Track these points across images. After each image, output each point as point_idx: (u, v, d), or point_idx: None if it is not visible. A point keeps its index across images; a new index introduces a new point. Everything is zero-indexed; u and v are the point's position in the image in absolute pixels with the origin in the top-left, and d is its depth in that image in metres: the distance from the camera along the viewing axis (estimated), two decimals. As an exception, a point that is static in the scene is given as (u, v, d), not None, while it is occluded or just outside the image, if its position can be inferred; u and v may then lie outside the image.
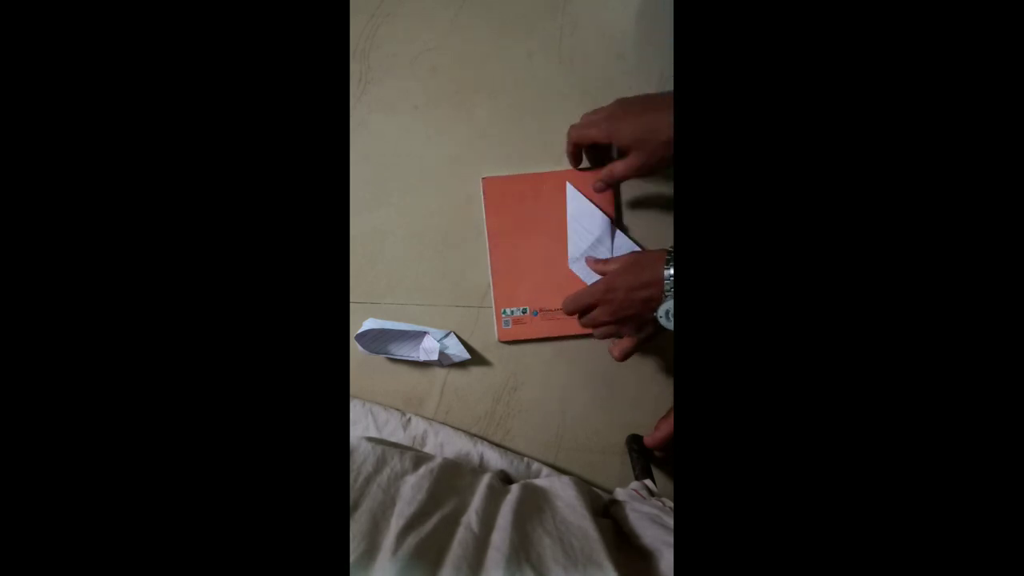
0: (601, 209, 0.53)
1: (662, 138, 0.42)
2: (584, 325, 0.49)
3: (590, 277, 0.52)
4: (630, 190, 0.55)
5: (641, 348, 0.48)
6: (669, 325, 0.43)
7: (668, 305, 0.43)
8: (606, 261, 0.50)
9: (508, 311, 0.54)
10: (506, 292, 0.54)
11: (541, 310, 0.54)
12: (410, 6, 0.56)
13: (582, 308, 0.48)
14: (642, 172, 0.45)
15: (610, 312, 0.46)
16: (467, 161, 0.55)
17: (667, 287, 0.43)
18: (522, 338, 0.55)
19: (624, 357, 0.48)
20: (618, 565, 0.30)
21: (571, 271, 0.54)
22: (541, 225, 0.54)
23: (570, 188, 0.53)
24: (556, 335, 0.55)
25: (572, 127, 0.48)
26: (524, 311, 0.54)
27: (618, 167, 0.46)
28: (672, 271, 0.42)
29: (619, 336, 0.49)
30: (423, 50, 0.56)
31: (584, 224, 0.53)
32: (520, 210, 0.54)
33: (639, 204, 0.55)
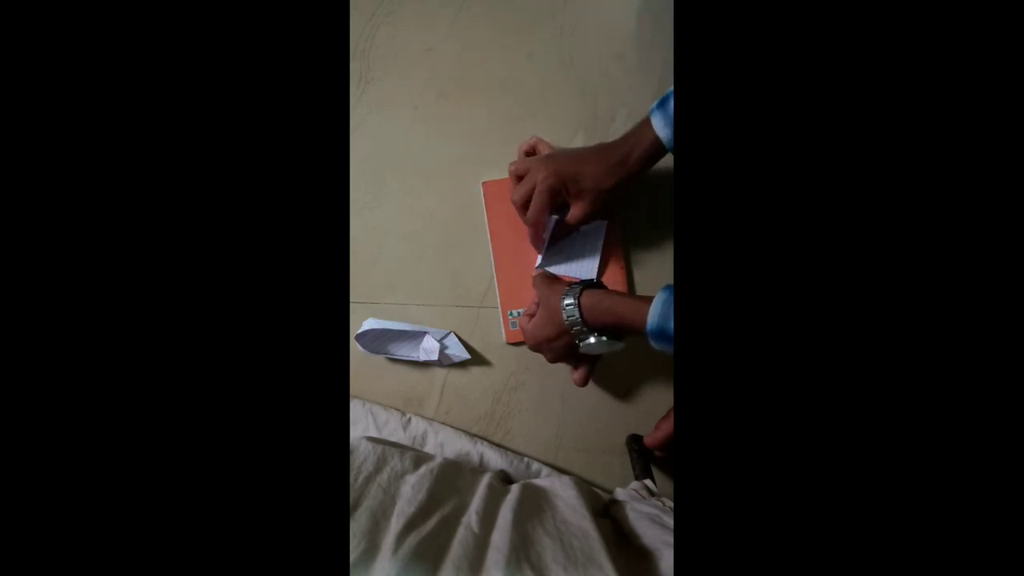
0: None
1: (605, 186, 0.46)
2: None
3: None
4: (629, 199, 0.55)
5: (595, 369, 0.50)
6: (587, 351, 0.46)
7: (583, 341, 0.45)
8: (527, 317, 0.50)
9: (515, 312, 0.54)
10: (511, 293, 0.54)
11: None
12: (410, 6, 0.56)
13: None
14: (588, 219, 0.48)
15: (551, 359, 0.49)
16: (467, 161, 0.55)
17: (568, 317, 0.44)
18: None
19: (584, 382, 0.50)
20: (618, 565, 0.30)
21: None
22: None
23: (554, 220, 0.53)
24: None
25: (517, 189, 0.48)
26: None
27: (576, 212, 0.48)
28: (568, 300, 0.44)
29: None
30: (423, 50, 0.56)
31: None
32: None
33: (639, 207, 0.55)
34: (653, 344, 0.40)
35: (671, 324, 0.38)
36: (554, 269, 0.54)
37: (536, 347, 0.48)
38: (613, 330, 0.44)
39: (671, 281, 0.44)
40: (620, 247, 0.54)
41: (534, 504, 0.37)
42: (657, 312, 0.39)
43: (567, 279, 0.53)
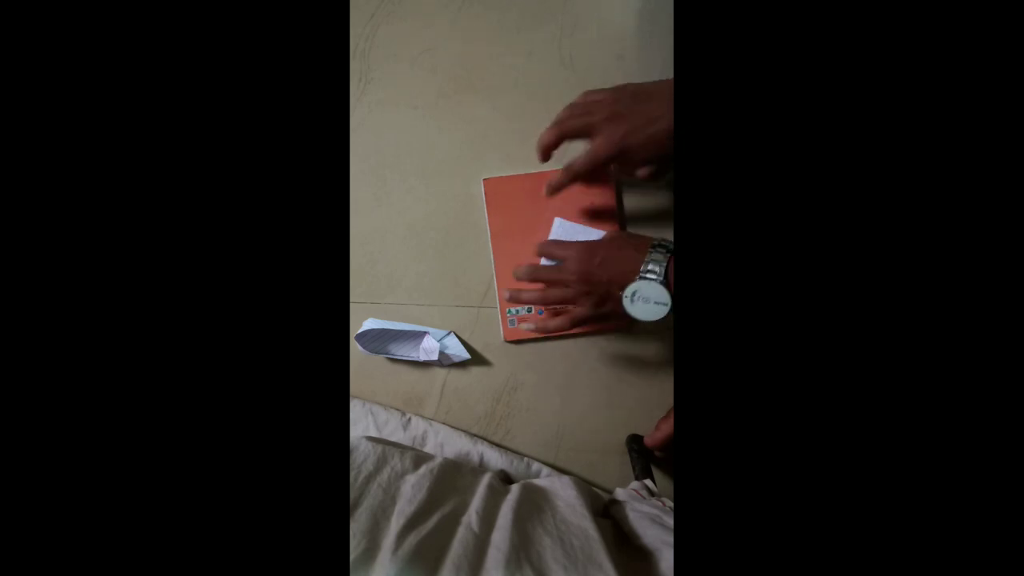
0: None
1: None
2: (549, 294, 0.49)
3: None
4: (632, 197, 0.55)
5: (589, 324, 0.48)
6: (632, 310, 0.42)
7: (636, 286, 0.42)
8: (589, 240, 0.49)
9: (513, 311, 0.54)
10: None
11: (546, 309, 0.54)
12: (410, 6, 0.56)
13: (549, 278, 0.48)
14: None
15: (581, 280, 0.46)
16: (467, 161, 0.55)
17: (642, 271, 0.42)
18: (528, 337, 0.55)
19: (574, 325, 0.47)
20: (618, 565, 0.30)
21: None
22: (543, 224, 0.54)
23: (558, 222, 0.54)
24: (561, 333, 0.54)
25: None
26: (529, 310, 0.54)
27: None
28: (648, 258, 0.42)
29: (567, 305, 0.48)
30: (423, 50, 0.56)
31: (570, 231, 0.54)
32: (521, 210, 0.54)
33: (640, 208, 0.55)
34: None
35: None
36: None
37: (587, 267, 0.45)
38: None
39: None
40: None
41: (534, 504, 0.37)
42: None
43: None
